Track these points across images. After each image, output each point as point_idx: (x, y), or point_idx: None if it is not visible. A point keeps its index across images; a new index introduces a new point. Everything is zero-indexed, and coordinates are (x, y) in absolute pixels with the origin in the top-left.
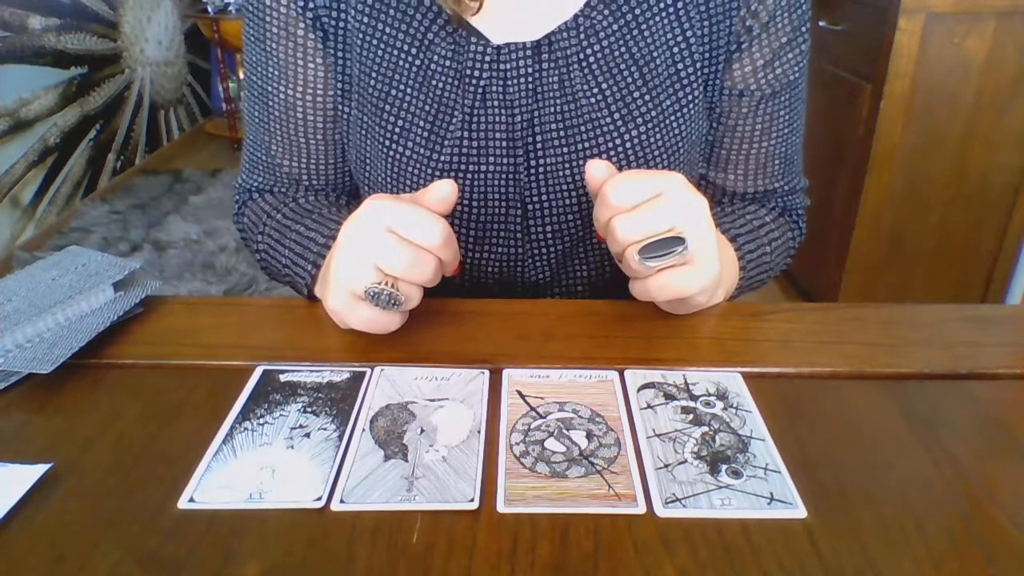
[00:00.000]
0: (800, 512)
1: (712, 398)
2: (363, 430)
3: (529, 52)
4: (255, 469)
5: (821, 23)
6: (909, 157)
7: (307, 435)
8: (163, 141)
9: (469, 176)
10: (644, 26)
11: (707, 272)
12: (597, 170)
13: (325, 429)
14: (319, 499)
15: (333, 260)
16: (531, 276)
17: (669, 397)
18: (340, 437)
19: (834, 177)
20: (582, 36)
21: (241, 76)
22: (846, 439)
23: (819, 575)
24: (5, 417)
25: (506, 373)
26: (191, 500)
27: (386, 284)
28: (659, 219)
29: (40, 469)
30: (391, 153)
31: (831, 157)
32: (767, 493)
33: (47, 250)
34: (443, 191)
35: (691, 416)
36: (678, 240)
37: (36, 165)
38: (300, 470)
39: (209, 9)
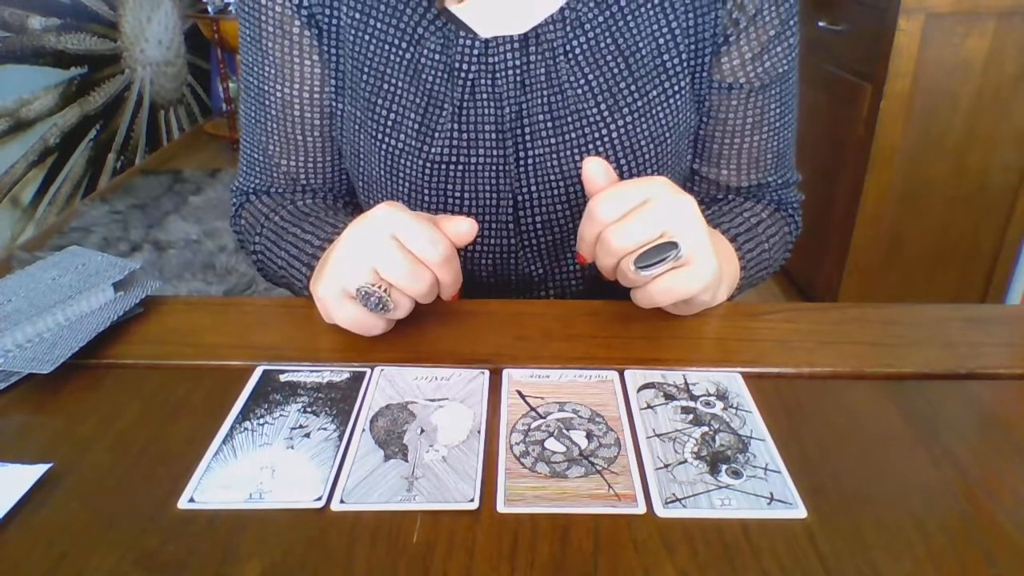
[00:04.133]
0: (800, 512)
1: (712, 398)
2: (363, 430)
3: (516, 45)
4: (255, 469)
5: (821, 23)
6: (909, 157)
7: (307, 435)
8: (163, 141)
9: (460, 168)
10: (629, 17)
11: (706, 269)
12: (593, 169)
13: (325, 429)
14: (319, 499)
15: (333, 253)
16: (525, 269)
17: (669, 397)
18: (340, 437)
19: (834, 177)
20: (568, 28)
21: (240, 76)
22: (846, 439)
23: (819, 575)
24: (5, 417)
25: (506, 373)
26: (191, 500)
27: (379, 288)
28: (649, 226)
29: (40, 469)
30: (383, 146)
31: (831, 157)
32: (767, 493)
33: (47, 250)
34: (461, 226)
35: (691, 416)
36: (671, 245)
37: (36, 165)
38: (300, 470)
39: (209, 9)
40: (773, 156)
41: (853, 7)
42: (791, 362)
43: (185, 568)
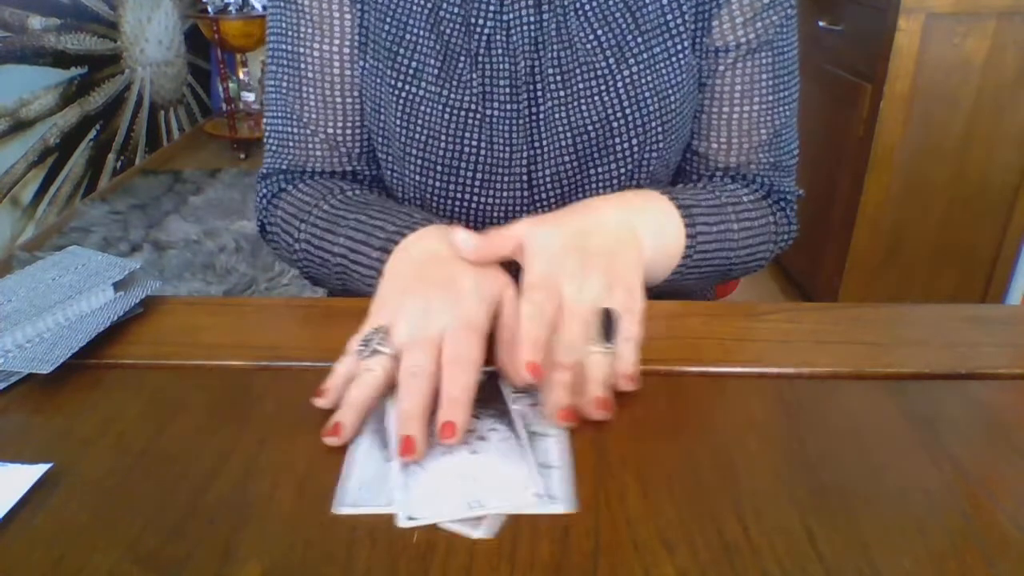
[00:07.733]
0: (567, 508)
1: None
2: (364, 431)
3: (531, 2)
4: None
5: (821, 23)
6: (909, 157)
7: None
8: (163, 141)
9: (476, 118)
10: None
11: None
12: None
13: None
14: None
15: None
16: None
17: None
18: None
19: (834, 177)
20: None
21: (240, 76)
22: (846, 439)
23: (819, 575)
24: (5, 417)
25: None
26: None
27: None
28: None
29: (40, 469)
30: (403, 94)
31: (831, 157)
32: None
33: (47, 250)
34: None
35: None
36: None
37: (36, 165)
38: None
39: (209, 9)
40: (768, 133)
41: (853, 7)
42: (791, 362)
43: (185, 568)
